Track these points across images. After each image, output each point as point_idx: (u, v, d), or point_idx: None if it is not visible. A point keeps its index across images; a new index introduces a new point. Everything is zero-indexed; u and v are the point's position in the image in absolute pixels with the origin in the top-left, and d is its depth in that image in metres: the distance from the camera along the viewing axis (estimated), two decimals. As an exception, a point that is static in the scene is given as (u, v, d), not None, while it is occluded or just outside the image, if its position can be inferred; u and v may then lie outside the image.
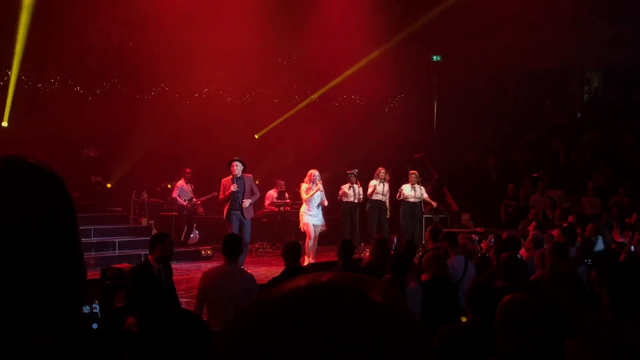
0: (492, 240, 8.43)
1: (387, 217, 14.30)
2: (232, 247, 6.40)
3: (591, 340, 3.61)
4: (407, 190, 14.27)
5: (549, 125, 21.06)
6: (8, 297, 0.99)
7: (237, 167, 11.18)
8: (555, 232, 9.00)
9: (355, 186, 14.36)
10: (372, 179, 14.47)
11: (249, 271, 6.89)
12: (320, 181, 12.31)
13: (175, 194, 14.54)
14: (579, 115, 21.99)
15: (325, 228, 12.51)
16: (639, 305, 3.63)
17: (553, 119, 21.31)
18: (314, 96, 19.07)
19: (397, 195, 14.41)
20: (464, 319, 4.49)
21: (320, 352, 0.68)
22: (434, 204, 15.10)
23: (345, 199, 14.26)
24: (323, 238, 13.03)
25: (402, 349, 0.72)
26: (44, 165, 1.09)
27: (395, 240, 11.63)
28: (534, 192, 15.96)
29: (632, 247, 8.81)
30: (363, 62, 18.53)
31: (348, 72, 18.57)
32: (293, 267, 6.62)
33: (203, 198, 15.01)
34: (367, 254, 9.19)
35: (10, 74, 14.93)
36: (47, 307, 1.02)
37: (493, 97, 22.81)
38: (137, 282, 6.52)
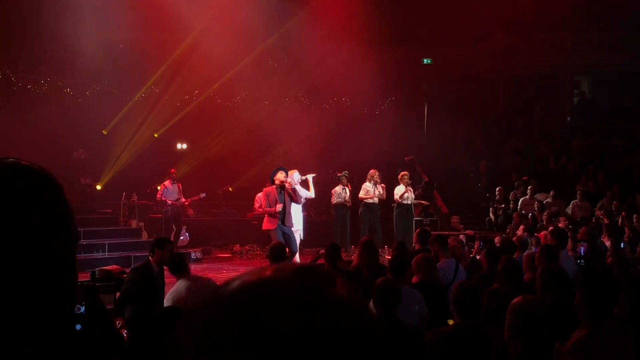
0: (482, 244, 8.42)
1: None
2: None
3: None
4: (401, 191, 14.20)
5: (538, 129, 21.14)
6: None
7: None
8: (541, 235, 9.02)
9: (346, 188, 14.35)
10: (363, 181, 14.45)
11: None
12: (299, 179, 11.53)
13: (159, 195, 14.41)
14: (568, 119, 22.08)
15: (301, 237, 11.67)
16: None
17: (543, 123, 21.39)
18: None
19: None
20: (450, 322, 4.49)
21: (272, 345, 0.67)
22: (426, 203, 15.10)
23: (336, 201, 14.26)
24: (313, 240, 12.98)
25: (357, 345, 0.70)
26: (37, 167, 1.09)
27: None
28: (524, 195, 16.04)
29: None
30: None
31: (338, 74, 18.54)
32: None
33: (192, 199, 14.96)
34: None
35: None
36: (29, 307, 1.01)
37: (483, 100, 22.88)
38: (136, 279, 6.56)
